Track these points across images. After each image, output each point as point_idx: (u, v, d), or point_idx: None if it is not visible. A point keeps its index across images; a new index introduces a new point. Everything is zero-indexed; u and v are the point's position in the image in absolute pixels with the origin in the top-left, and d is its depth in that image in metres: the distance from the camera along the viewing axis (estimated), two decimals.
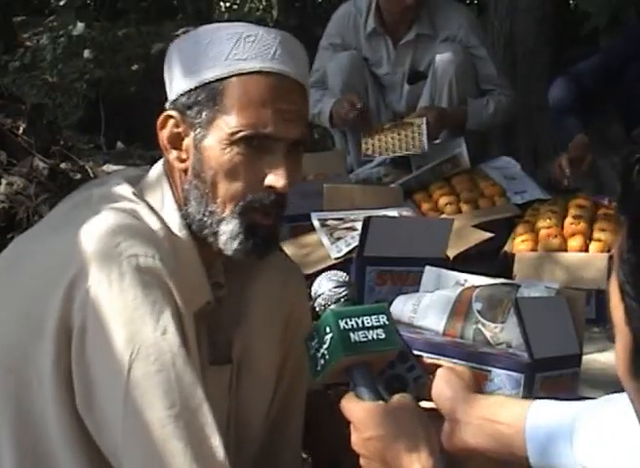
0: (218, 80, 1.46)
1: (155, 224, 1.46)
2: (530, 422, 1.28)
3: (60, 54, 6.38)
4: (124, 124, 5.85)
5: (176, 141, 1.51)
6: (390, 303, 2.15)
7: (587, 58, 3.81)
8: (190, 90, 1.48)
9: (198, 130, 1.48)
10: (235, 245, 1.49)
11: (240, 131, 1.46)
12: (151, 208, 1.49)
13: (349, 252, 2.97)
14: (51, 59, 6.38)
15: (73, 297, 1.34)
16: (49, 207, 2.87)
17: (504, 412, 1.30)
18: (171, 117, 1.50)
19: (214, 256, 1.55)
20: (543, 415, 1.29)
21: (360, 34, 4.01)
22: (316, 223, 3.17)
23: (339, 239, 3.09)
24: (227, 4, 9.61)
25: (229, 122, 1.46)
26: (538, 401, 1.32)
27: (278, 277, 1.65)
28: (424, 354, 2.09)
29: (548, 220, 3.14)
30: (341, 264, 2.93)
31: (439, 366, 1.41)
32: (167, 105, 1.53)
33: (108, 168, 4.03)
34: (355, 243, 2.84)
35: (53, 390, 1.36)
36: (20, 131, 3.38)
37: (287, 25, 7.30)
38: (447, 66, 3.82)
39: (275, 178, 1.48)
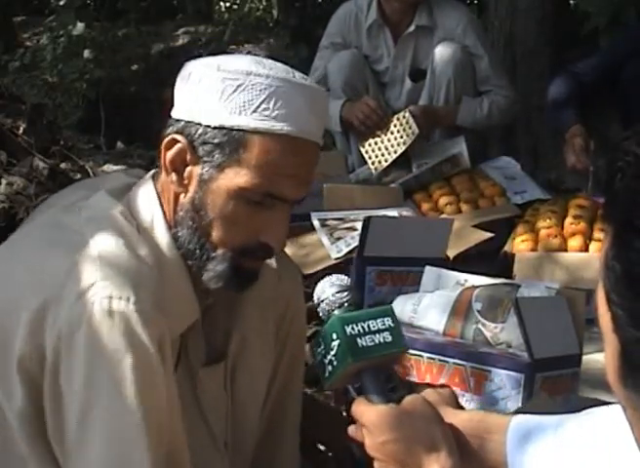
0: (241, 130, 1.41)
1: (144, 250, 1.42)
2: (511, 431, 1.27)
3: (60, 54, 6.38)
4: (124, 124, 5.86)
5: (179, 166, 1.46)
6: (390, 303, 2.15)
7: (587, 57, 3.81)
8: (208, 126, 1.42)
9: (207, 168, 1.43)
10: (220, 283, 1.48)
11: (251, 189, 1.42)
12: (140, 228, 1.46)
13: (349, 252, 2.97)
14: (51, 59, 6.38)
15: (44, 329, 1.33)
16: None
17: (485, 426, 1.29)
18: (177, 141, 1.45)
19: None
20: (525, 423, 1.27)
21: (361, 32, 4.00)
22: (316, 223, 3.17)
23: (339, 239, 3.09)
24: (227, 4, 9.60)
25: (243, 176, 1.42)
26: (519, 414, 1.31)
27: (273, 273, 1.65)
28: (425, 354, 2.10)
29: (548, 220, 3.14)
30: (342, 264, 2.94)
31: (419, 384, 1.41)
32: (172, 116, 1.47)
33: (108, 168, 4.03)
34: (355, 243, 2.83)
35: (20, 409, 1.35)
36: (20, 131, 3.38)
37: (287, 25, 7.30)
38: (446, 66, 3.81)
39: (273, 240, 1.46)
